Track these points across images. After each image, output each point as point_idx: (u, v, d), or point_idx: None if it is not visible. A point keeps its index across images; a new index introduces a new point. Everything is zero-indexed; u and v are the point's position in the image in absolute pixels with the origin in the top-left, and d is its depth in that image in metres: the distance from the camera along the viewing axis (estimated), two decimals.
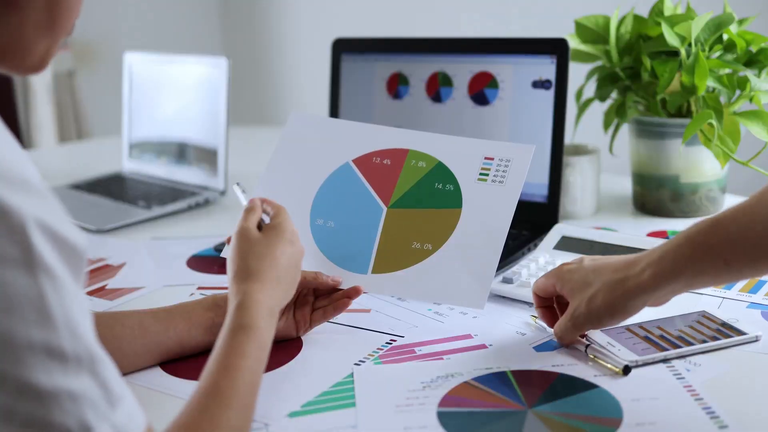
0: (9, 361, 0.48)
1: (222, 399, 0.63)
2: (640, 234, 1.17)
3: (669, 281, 0.74)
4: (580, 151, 1.33)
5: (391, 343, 0.87)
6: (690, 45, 1.16)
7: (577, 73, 1.32)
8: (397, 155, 0.95)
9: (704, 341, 0.81)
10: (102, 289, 1.07)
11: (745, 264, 0.72)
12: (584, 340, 0.82)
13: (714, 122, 1.14)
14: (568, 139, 1.23)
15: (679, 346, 0.80)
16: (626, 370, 0.77)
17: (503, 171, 0.90)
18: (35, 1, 0.58)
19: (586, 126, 1.37)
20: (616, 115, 1.30)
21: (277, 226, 0.81)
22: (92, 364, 0.51)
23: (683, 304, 0.93)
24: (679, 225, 1.22)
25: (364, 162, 0.96)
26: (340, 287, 0.88)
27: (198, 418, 0.62)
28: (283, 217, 0.82)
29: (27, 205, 0.49)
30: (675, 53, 1.20)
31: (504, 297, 0.97)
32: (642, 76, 1.24)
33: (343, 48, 1.34)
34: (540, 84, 1.17)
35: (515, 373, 0.79)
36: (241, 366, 0.67)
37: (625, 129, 1.33)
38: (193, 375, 0.80)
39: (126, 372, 0.80)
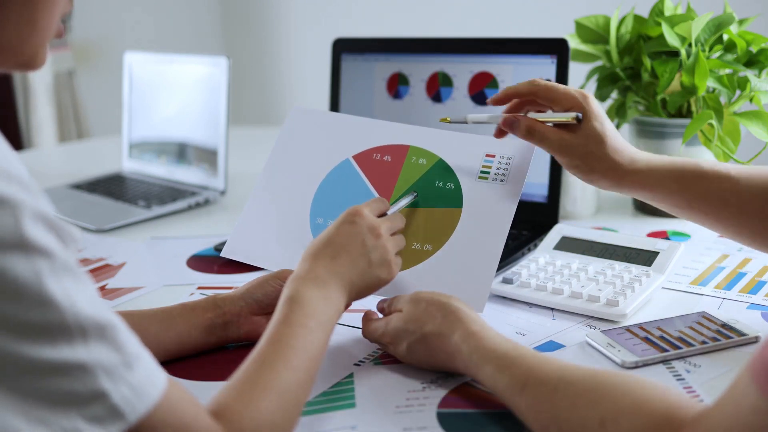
0: (14, 343, 0.49)
1: (268, 364, 0.66)
2: (640, 234, 1.17)
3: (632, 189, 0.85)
4: None
5: None
6: (690, 45, 1.16)
7: (577, 73, 1.32)
8: (397, 152, 0.94)
9: (704, 342, 0.81)
10: (102, 288, 1.07)
11: (703, 213, 0.84)
12: None
13: (714, 122, 1.14)
14: None
15: (679, 347, 0.80)
16: None
17: (504, 168, 0.89)
18: (12, 1, 0.58)
19: None
20: (616, 115, 1.30)
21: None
22: (101, 331, 0.53)
23: (683, 304, 0.93)
24: (679, 225, 1.22)
25: (364, 158, 0.95)
26: None
27: (246, 383, 0.64)
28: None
29: (22, 196, 0.51)
30: (675, 53, 1.20)
31: (504, 297, 0.97)
32: (642, 77, 1.24)
33: (343, 48, 1.34)
34: None
35: None
36: (285, 333, 0.69)
37: (626, 129, 1.32)
38: (192, 375, 0.80)
39: None
